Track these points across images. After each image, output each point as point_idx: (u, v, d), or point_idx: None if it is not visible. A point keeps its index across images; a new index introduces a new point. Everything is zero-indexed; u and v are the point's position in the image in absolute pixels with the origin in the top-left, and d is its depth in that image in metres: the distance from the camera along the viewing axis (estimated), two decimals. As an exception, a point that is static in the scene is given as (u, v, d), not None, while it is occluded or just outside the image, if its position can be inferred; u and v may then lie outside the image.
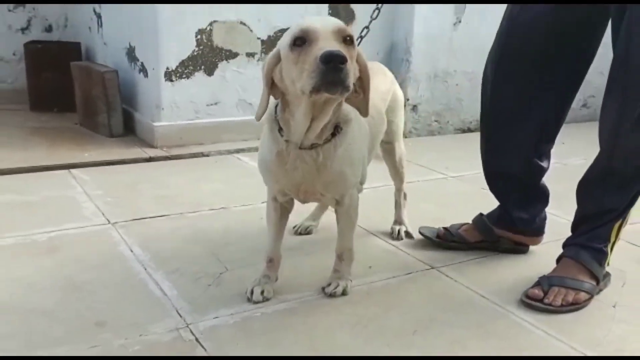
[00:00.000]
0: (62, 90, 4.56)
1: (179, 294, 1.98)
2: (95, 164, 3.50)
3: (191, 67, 3.94)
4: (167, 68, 3.86)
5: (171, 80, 3.89)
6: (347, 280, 2.06)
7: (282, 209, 2.01)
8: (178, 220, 2.67)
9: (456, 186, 3.39)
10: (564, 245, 2.18)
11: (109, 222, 2.61)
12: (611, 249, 2.12)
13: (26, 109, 4.81)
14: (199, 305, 1.91)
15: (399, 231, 2.53)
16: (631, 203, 2.08)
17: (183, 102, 3.96)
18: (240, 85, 4.13)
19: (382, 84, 2.24)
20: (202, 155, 3.88)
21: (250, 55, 4.12)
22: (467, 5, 4.62)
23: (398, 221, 2.58)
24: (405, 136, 4.65)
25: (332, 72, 1.45)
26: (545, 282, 2.06)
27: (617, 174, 2.04)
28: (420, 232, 2.49)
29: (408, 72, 4.60)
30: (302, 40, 1.52)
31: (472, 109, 4.85)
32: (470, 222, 2.47)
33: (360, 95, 1.73)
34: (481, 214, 2.45)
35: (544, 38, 2.06)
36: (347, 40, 1.57)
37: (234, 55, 4.07)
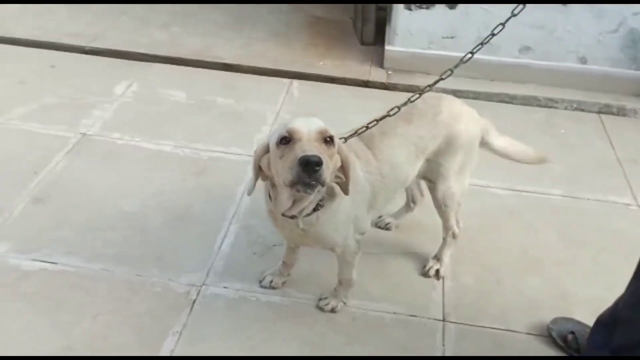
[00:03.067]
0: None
1: (228, 253, 2.62)
2: (316, 77, 4.07)
3: (433, -2, 3.93)
4: (409, -5, 3.95)
5: (410, 9, 3.99)
6: (340, 301, 2.38)
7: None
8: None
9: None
10: None
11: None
12: None
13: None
14: (227, 271, 2.54)
15: (429, 268, 2.56)
16: None
17: (418, 30, 4.06)
18: (484, 22, 3.95)
19: (422, 130, 2.21)
20: (417, 90, 4.02)
21: (502, -7, 3.83)
22: None
23: (436, 257, 2.58)
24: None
25: (308, 173, 1.66)
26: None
27: None
28: (548, 327, 2.34)
29: None
30: (286, 140, 1.74)
31: None
32: None
33: (343, 179, 1.92)
34: None
35: None
36: (328, 140, 1.78)
37: (485, -10, 3.85)
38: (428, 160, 2.29)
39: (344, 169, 1.90)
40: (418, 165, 2.28)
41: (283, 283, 2.48)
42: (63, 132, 3.31)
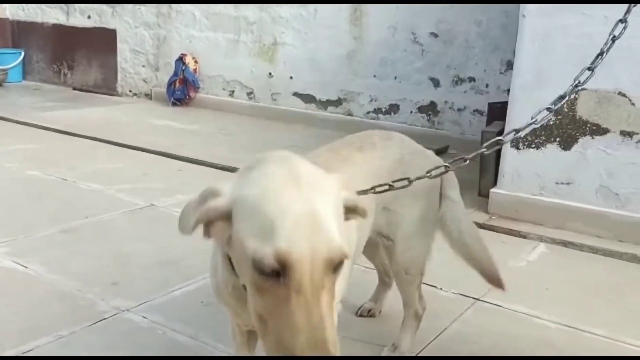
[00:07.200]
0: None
1: (176, 296, 2.36)
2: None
3: (543, 137, 3.52)
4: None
5: (517, 148, 3.60)
6: None
7: (249, 332, 1.61)
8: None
9: None
10: None
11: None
12: None
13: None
14: (159, 305, 2.27)
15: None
16: None
17: (527, 173, 3.59)
18: (605, 168, 3.35)
19: (379, 160, 1.80)
20: (518, 234, 3.45)
21: (626, 134, 3.28)
22: None
23: (394, 345, 1.93)
24: None
25: None
26: None
27: None
28: None
29: None
30: (274, 272, 1.02)
31: None
32: None
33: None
34: None
35: None
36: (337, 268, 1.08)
37: (603, 131, 3.34)
38: (384, 209, 1.80)
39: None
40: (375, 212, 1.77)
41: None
42: (138, 201, 3.55)
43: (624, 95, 3.23)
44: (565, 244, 3.30)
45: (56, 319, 2.13)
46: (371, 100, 5.85)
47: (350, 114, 5.99)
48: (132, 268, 2.64)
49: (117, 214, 3.31)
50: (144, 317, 2.19)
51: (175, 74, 6.71)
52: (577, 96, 3.37)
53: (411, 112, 5.66)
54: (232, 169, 4.47)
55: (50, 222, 3.10)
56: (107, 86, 7.56)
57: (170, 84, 6.76)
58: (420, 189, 1.82)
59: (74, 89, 7.81)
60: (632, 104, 3.22)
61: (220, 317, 2.18)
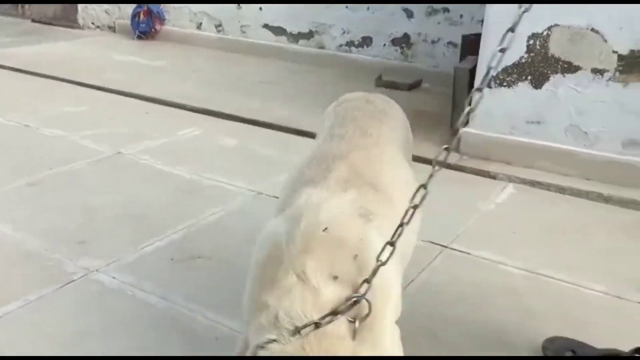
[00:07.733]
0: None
1: (146, 253, 2.36)
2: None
3: (515, 76, 3.47)
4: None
5: (489, 87, 3.56)
6: None
7: None
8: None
9: None
10: None
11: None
12: None
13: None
14: (129, 264, 2.27)
15: None
16: None
17: (498, 112, 3.57)
18: (575, 106, 3.34)
19: (396, 131, 1.78)
20: (488, 175, 3.47)
21: (597, 72, 3.24)
22: None
23: None
24: None
25: None
26: None
27: None
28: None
29: None
30: None
31: None
32: None
33: None
34: None
35: None
36: None
37: (575, 68, 3.30)
38: None
39: None
40: None
41: None
42: (104, 149, 3.47)
43: (597, 32, 3.18)
44: (533, 183, 3.34)
45: (24, 282, 2.11)
46: (343, 33, 5.69)
47: (322, 47, 5.83)
48: (100, 222, 2.60)
49: (82, 164, 3.24)
50: (114, 278, 2.18)
51: (139, 5, 6.41)
52: (549, 33, 3.31)
53: (384, 44, 5.53)
54: (201, 110, 4.38)
55: (14, 175, 3.03)
56: (67, 18, 7.21)
57: (135, 15, 6.47)
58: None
59: (33, 20, 7.45)
60: (605, 40, 3.17)
61: (191, 275, 2.21)
